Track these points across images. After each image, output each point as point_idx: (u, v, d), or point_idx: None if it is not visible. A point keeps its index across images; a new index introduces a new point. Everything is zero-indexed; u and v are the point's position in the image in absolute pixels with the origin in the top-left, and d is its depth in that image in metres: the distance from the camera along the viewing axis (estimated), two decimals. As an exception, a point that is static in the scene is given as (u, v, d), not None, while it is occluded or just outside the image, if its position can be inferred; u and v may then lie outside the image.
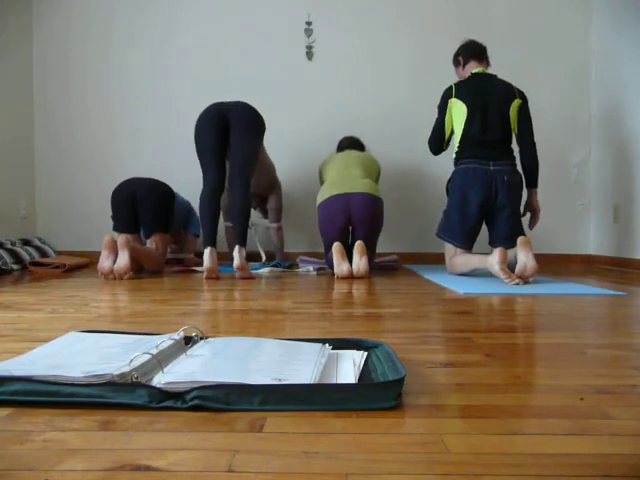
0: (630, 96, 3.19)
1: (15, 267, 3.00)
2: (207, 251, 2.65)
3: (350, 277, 2.61)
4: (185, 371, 0.85)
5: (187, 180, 3.35)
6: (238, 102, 2.88)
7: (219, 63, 3.61)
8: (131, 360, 0.84)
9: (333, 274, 2.70)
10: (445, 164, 3.50)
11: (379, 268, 3.03)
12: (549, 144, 3.62)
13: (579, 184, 3.63)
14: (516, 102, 2.73)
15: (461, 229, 2.69)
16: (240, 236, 2.71)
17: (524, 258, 2.32)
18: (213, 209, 2.77)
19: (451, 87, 2.80)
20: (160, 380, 0.82)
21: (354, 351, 1.02)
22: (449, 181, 2.83)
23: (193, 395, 0.76)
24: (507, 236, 2.57)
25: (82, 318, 1.52)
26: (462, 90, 2.75)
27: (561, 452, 0.63)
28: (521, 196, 2.72)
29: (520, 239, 2.37)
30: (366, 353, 1.00)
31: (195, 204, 3.36)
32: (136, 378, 0.81)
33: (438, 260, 3.41)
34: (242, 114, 2.81)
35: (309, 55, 3.65)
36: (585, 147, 3.63)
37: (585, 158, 3.64)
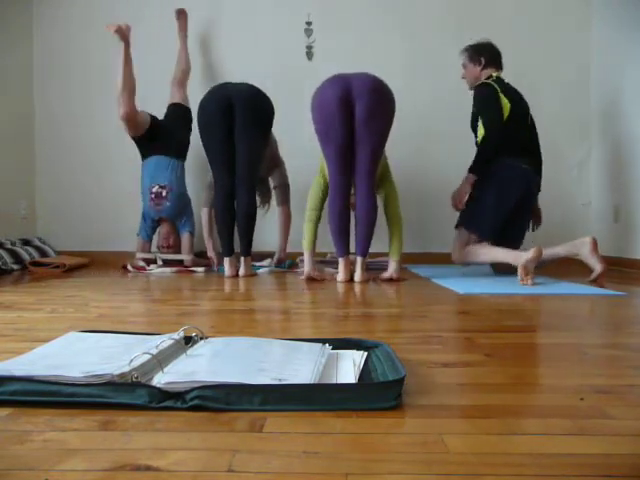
0: (630, 96, 3.19)
1: (15, 267, 3.00)
2: (227, 261, 2.77)
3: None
4: (185, 371, 0.85)
5: (189, 180, 3.35)
6: (243, 87, 2.81)
7: (219, 63, 3.60)
8: (131, 360, 0.84)
9: (335, 262, 2.71)
10: (442, 164, 3.51)
11: (379, 268, 2.99)
12: (549, 144, 3.61)
13: (579, 184, 3.63)
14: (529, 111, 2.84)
15: (494, 223, 2.70)
16: (245, 246, 2.79)
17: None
18: (230, 218, 2.79)
19: (491, 84, 2.78)
20: (160, 380, 0.82)
21: (354, 351, 1.02)
22: (485, 175, 2.77)
23: (193, 395, 0.76)
24: (522, 236, 2.69)
25: (82, 318, 1.52)
26: (503, 88, 2.76)
27: (561, 452, 0.63)
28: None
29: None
30: (366, 353, 1.00)
31: (196, 200, 3.37)
32: (136, 378, 0.81)
33: (438, 260, 3.41)
34: (247, 105, 2.75)
35: (309, 55, 3.65)
36: (585, 147, 3.63)
37: (585, 158, 3.63)
